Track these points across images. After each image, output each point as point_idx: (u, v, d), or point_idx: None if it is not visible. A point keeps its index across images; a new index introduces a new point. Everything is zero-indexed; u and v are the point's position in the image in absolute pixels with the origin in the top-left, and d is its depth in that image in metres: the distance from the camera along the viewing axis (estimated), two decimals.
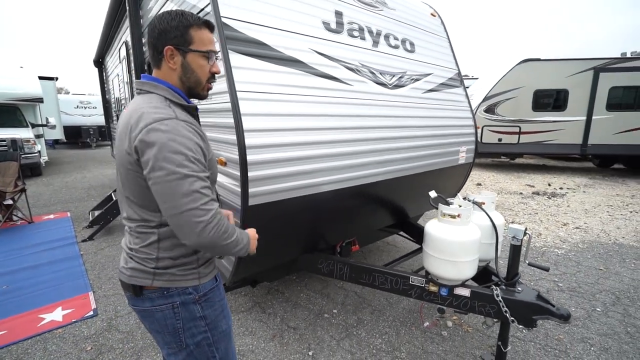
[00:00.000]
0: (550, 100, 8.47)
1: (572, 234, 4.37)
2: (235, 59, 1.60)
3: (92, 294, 2.82)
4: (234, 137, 1.55)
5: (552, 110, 8.46)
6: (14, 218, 4.71)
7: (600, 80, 8.03)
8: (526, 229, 1.79)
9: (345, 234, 2.58)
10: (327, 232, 2.34)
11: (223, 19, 1.61)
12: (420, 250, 2.89)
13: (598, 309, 2.62)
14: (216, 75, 1.05)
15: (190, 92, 1.03)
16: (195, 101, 1.08)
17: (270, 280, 2.69)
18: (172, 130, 0.85)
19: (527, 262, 1.88)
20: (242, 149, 1.52)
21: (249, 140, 1.54)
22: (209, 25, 1.01)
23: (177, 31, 0.94)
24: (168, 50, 0.95)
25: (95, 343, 2.21)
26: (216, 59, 1.04)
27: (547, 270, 1.90)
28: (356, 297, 2.80)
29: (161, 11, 2.56)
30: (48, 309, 2.61)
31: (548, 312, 1.66)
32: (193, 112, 1.01)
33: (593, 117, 8.17)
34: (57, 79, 12.16)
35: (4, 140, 7.50)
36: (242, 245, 0.98)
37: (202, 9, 1.77)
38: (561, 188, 7.09)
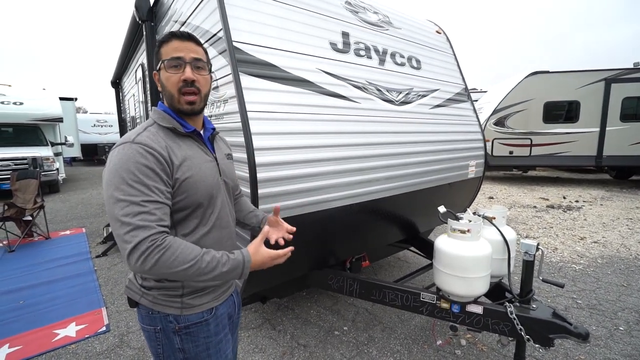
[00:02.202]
0: (562, 112, 8.39)
1: (590, 248, 4.24)
2: (246, 80, 1.67)
3: (105, 309, 2.86)
4: (244, 156, 1.60)
5: (563, 122, 8.37)
6: (33, 234, 4.85)
7: (613, 91, 7.94)
8: (538, 244, 1.76)
9: (355, 249, 2.57)
10: (336, 247, 2.34)
11: (234, 44, 1.69)
12: (431, 266, 2.86)
13: (621, 328, 2.52)
14: (187, 75, 0.96)
15: (174, 108, 0.99)
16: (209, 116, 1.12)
17: (281, 297, 2.68)
18: (121, 154, 0.87)
19: (540, 278, 1.84)
20: (252, 166, 1.56)
21: (259, 158, 1.58)
22: (177, 35, 0.97)
23: (156, 56, 0.98)
24: (155, 75, 1.01)
25: (107, 359, 2.23)
26: (187, 64, 0.96)
27: (562, 286, 1.85)
28: (367, 313, 2.76)
29: None
30: (62, 324, 2.65)
31: (565, 330, 1.61)
32: (181, 134, 0.98)
33: (607, 128, 8.04)
34: (76, 99, 12.69)
35: (25, 159, 7.81)
36: (220, 272, 0.88)
37: (215, 34, 1.86)
38: (577, 201, 6.92)
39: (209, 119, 1.16)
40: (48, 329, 2.58)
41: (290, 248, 1.03)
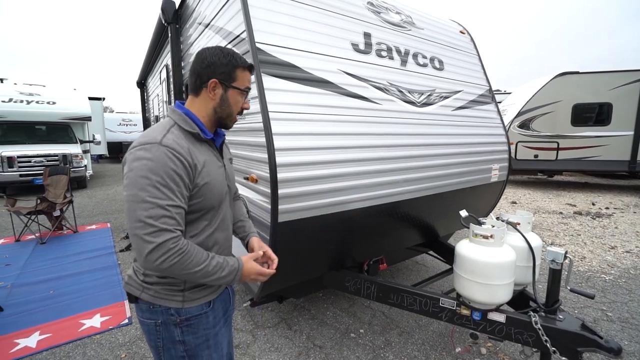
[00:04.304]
0: (592, 114, 8.00)
1: (622, 258, 4.02)
2: (268, 81, 1.68)
3: (127, 302, 2.96)
4: (265, 156, 1.61)
5: (594, 125, 7.98)
6: (63, 228, 5.09)
7: None
8: (566, 252, 1.69)
9: (372, 252, 2.55)
10: (354, 249, 2.32)
11: (257, 44, 1.71)
12: (450, 271, 2.80)
13: None
14: (247, 105, 1.13)
15: (220, 121, 1.09)
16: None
17: (297, 297, 2.69)
18: (148, 154, 0.89)
19: (568, 287, 1.76)
20: (272, 167, 1.57)
21: (279, 158, 1.59)
22: (251, 69, 1.10)
23: (225, 68, 1.02)
24: (212, 82, 1.02)
25: (129, 351, 2.30)
26: (247, 97, 1.12)
27: (592, 297, 1.77)
28: (383, 317, 2.73)
29: (205, 42, 2.75)
30: (88, 315, 2.76)
31: (595, 344, 1.54)
32: (201, 139, 1.03)
33: None
34: (104, 99, 13.23)
35: (57, 155, 8.21)
36: (219, 276, 0.97)
37: (238, 36, 1.89)
38: (607, 208, 6.58)
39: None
40: (75, 319, 2.69)
41: (273, 271, 1.11)
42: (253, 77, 1.74)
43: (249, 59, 1.75)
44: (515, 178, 10.61)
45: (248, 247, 1.28)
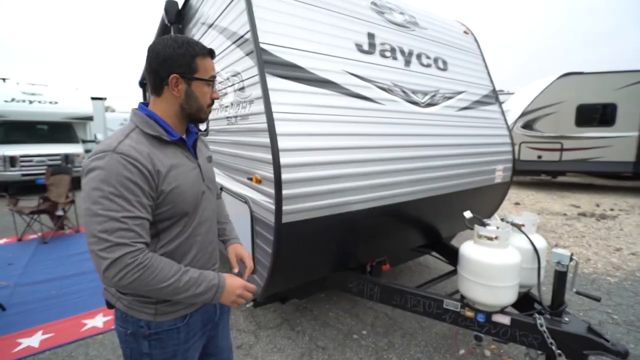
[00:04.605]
0: (596, 115, 7.96)
1: (628, 260, 3.99)
2: (272, 81, 1.68)
3: None
4: (269, 156, 1.61)
5: (598, 126, 7.94)
6: (65, 227, 5.10)
7: None
8: (572, 254, 1.67)
9: (376, 253, 2.54)
10: (358, 250, 2.31)
11: (261, 45, 1.70)
12: (454, 272, 2.78)
13: None
14: (216, 95, 1.05)
15: (192, 117, 1.02)
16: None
17: (300, 298, 2.68)
18: (101, 163, 0.83)
19: (574, 290, 1.75)
20: (277, 167, 1.57)
21: (283, 159, 1.59)
22: (212, 54, 1.01)
23: (183, 59, 0.93)
24: (173, 78, 0.93)
25: None
26: (214, 84, 1.04)
27: (598, 300, 1.75)
28: (386, 318, 2.71)
29: (208, 42, 2.75)
30: (90, 314, 2.76)
31: (601, 347, 1.52)
32: (166, 141, 0.96)
33: None
34: (105, 99, 13.26)
35: (59, 155, 8.23)
36: (194, 293, 0.89)
37: (242, 36, 1.88)
38: (612, 209, 6.54)
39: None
40: (77, 319, 2.69)
41: (253, 288, 1.03)
42: (253, 74, 1.73)
43: (253, 59, 1.75)
44: (518, 179, 10.57)
45: (227, 254, 1.24)
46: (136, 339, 0.99)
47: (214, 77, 1.02)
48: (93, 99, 11.43)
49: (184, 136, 1.03)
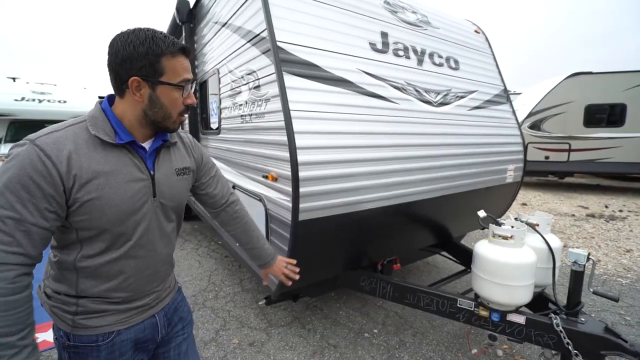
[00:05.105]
0: (605, 115, 7.89)
1: (638, 262, 3.95)
2: (289, 79, 1.69)
3: None
4: (286, 154, 1.62)
5: (606, 126, 7.86)
6: None
7: None
8: (589, 254, 1.66)
9: (387, 252, 2.54)
10: (370, 249, 2.32)
11: (278, 43, 1.71)
12: (464, 272, 2.78)
13: None
14: (190, 100, 0.91)
15: (157, 125, 0.88)
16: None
17: (313, 296, 2.69)
18: (16, 152, 0.74)
19: (591, 290, 1.74)
20: (294, 165, 1.58)
21: (301, 157, 1.59)
22: (184, 51, 0.86)
23: (145, 60, 0.79)
24: (134, 81, 0.81)
25: None
26: (191, 87, 0.90)
27: (616, 300, 1.74)
28: (397, 317, 2.72)
29: (220, 41, 2.77)
30: (45, 327, 2.41)
31: (619, 347, 1.51)
32: (110, 144, 0.83)
33: None
34: None
35: None
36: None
37: (258, 34, 1.90)
38: (621, 210, 6.48)
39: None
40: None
41: None
42: (270, 73, 1.74)
43: (270, 58, 1.76)
44: (524, 180, 10.48)
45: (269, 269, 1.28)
46: (59, 346, 0.91)
47: (188, 80, 0.87)
48: (101, 98, 11.55)
49: (147, 143, 0.90)
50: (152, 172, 0.91)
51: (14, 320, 0.72)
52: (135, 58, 0.79)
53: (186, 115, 0.93)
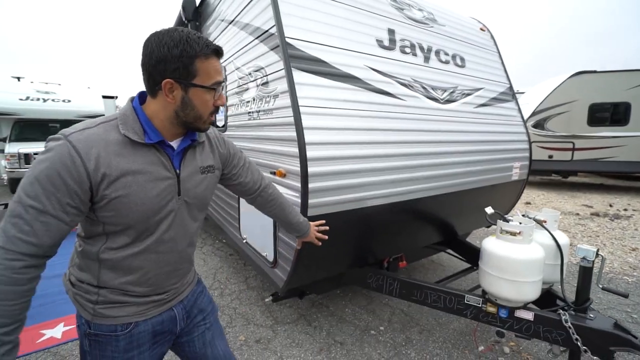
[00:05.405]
0: (609, 114, 7.85)
1: None
2: (298, 76, 1.69)
3: None
4: (295, 150, 1.62)
5: (611, 125, 7.83)
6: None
7: None
8: (598, 250, 1.66)
9: (394, 249, 2.54)
10: (377, 246, 2.32)
11: (287, 39, 1.72)
12: (471, 269, 2.78)
13: None
14: (220, 101, 0.93)
15: (187, 126, 0.90)
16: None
17: (319, 293, 2.70)
18: (51, 145, 0.77)
19: (600, 286, 1.74)
20: (303, 160, 1.58)
21: (310, 152, 1.60)
22: (217, 53, 0.87)
23: (179, 62, 0.80)
24: (167, 83, 0.82)
25: None
26: (222, 88, 0.93)
27: (626, 296, 1.74)
28: (403, 314, 2.72)
29: (227, 39, 2.77)
30: (51, 324, 2.54)
31: (629, 343, 1.51)
32: (138, 143, 0.85)
33: None
34: (117, 97, 13.42)
35: None
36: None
37: (267, 31, 1.90)
38: (625, 209, 6.45)
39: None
40: (36, 329, 2.48)
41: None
42: (278, 69, 1.75)
43: (279, 54, 1.76)
44: (528, 178, 10.45)
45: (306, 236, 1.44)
46: (81, 334, 0.94)
47: (220, 82, 0.88)
48: (104, 97, 11.58)
49: (175, 142, 0.92)
50: (178, 171, 0.92)
51: (4, 312, 0.73)
52: (169, 60, 0.80)
53: (215, 115, 0.94)
